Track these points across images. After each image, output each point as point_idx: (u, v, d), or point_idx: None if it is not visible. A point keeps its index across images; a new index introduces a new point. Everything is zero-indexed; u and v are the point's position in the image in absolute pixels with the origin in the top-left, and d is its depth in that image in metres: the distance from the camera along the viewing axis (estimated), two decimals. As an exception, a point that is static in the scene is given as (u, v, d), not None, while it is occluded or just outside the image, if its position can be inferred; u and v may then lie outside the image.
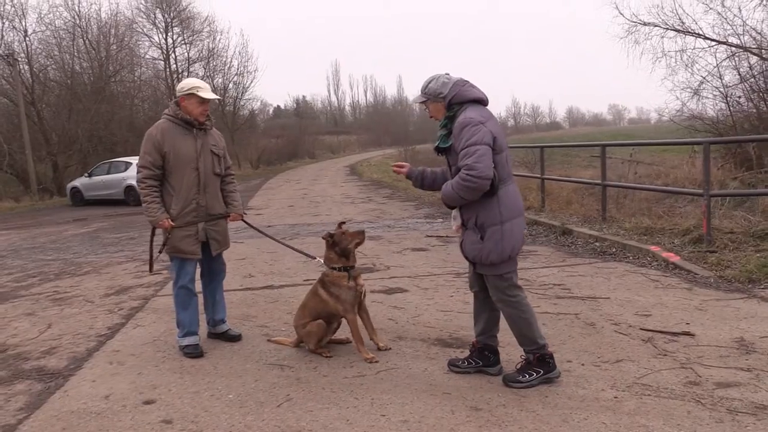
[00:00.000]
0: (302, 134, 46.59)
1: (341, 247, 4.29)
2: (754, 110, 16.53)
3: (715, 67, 17.57)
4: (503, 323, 3.73)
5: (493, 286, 3.60)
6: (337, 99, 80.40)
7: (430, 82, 3.66)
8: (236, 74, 36.63)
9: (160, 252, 4.49)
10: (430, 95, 3.65)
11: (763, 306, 4.92)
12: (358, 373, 3.90)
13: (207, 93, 4.43)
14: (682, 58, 18.29)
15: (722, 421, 3.01)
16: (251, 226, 5.20)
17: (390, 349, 4.31)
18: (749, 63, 16.61)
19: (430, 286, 6.22)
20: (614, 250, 7.45)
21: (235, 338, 4.72)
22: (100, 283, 7.31)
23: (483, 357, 3.80)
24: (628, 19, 18.85)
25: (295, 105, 68.91)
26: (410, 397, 3.49)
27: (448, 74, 3.64)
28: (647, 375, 3.63)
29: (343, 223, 4.53)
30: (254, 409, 3.45)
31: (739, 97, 16.88)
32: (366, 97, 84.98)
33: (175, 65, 34.35)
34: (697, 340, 4.19)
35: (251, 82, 37.16)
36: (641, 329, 4.47)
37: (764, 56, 16.51)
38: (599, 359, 3.94)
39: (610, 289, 5.70)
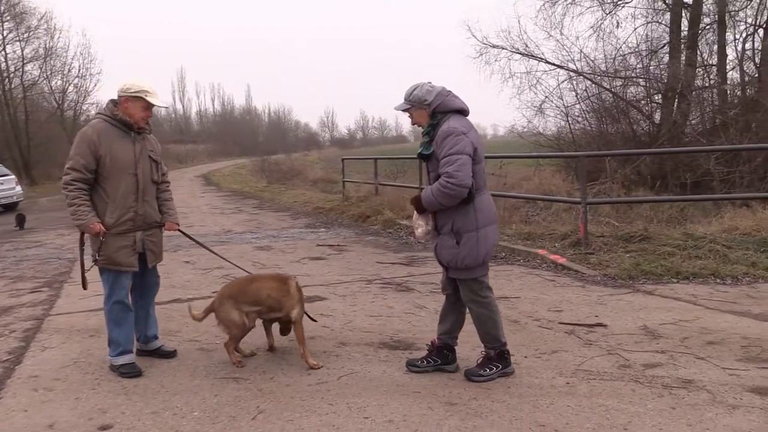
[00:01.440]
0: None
1: None
2: (590, 127, 18.62)
3: (555, 88, 19.55)
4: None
5: (466, 288, 3.81)
6: (183, 107, 76.99)
7: (414, 90, 3.80)
8: (77, 76, 33.65)
9: (93, 263, 4.15)
10: (414, 102, 3.78)
11: (648, 298, 5.66)
12: (318, 380, 3.91)
13: (156, 99, 4.18)
14: (527, 80, 20.11)
15: (662, 395, 3.48)
16: (188, 237, 4.95)
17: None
18: (585, 86, 18.70)
19: (347, 293, 6.31)
20: (504, 254, 8.06)
21: (170, 354, 4.47)
22: (-32, 305, 6.46)
23: (442, 355, 3.99)
24: (480, 41, 20.32)
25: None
26: (383, 399, 3.58)
27: (430, 83, 3.81)
28: (584, 362, 4.06)
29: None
30: (229, 424, 3.33)
31: (577, 115, 18.95)
32: (213, 106, 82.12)
33: (5, 63, 30.77)
34: (611, 329, 4.75)
35: (95, 85, 34.28)
36: (560, 323, 4.96)
37: (595, 81, 18.69)
38: (537, 351, 4.32)
39: (516, 289, 6.20)
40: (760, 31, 17.26)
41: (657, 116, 18.03)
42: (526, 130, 20.31)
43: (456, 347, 4.04)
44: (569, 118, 18.87)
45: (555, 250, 7.75)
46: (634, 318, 5.02)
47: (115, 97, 4.26)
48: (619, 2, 19.25)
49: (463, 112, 3.79)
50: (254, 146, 56.14)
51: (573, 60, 19.20)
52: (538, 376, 3.85)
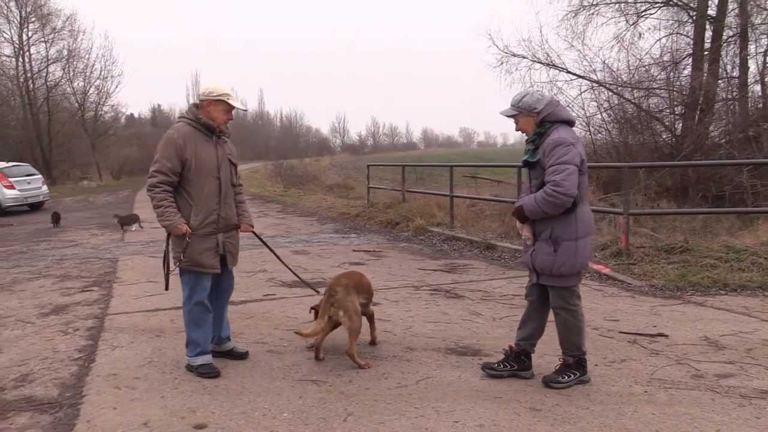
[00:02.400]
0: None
1: None
2: (610, 138, 18.67)
3: (575, 97, 19.61)
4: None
5: (557, 296, 3.89)
6: (197, 110, 77.25)
7: (524, 96, 3.88)
8: (99, 78, 33.93)
9: (177, 265, 4.24)
10: (523, 109, 3.86)
11: (701, 309, 5.72)
12: (398, 384, 3.99)
13: (237, 102, 4.29)
14: (548, 89, 20.16)
15: (743, 405, 3.54)
16: (260, 239, 5.05)
17: None
18: (607, 96, 18.76)
19: (398, 299, 6.39)
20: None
21: (243, 356, 4.56)
22: (23, 302, 6.57)
23: (519, 361, 4.07)
24: (501, 50, 20.41)
25: (151, 114, 65.23)
26: (467, 403, 3.65)
27: (539, 91, 3.90)
28: (656, 371, 4.12)
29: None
30: (321, 425, 3.41)
31: (599, 125, 19.01)
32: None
33: (29, 64, 31.06)
34: (672, 339, 4.81)
35: (116, 87, 34.61)
36: (620, 332, 5.02)
37: (617, 91, 18.76)
38: (605, 360, 4.39)
39: (566, 298, 6.26)
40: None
41: (678, 128, 18.13)
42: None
43: (533, 354, 4.11)
44: (590, 128, 18.95)
45: (596, 260, 7.80)
46: (693, 329, 5.08)
47: (196, 101, 4.37)
48: (642, 13, 19.33)
49: (570, 122, 3.86)
50: (266, 150, 56.47)
51: (594, 70, 19.29)
52: (615, 384, 3.91)
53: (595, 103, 18.99)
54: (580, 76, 19.74)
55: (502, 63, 20.40)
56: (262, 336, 5.13)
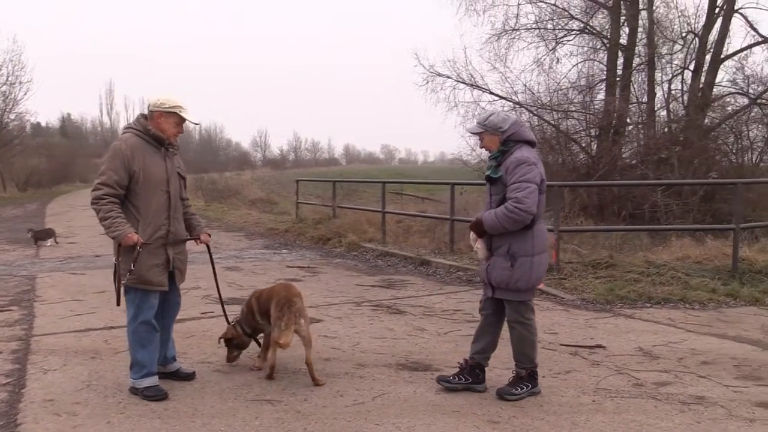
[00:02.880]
0: (74, 156, 41.96)
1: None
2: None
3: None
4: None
5: (513, 310, 3.99)
6: (110, 120, 74.72)
7: (490, 116, 4.02)
8: (5, 84, 31.82)
9: (123, 282, 4.03)
10: (489, 128, 3.98)
11: (631, 322, 6.04)
12: (354, 401, 3.96)
13: (189, 115, 4.15)
14: (472, 109, 20.77)
15: (684, 411, 3.77)
16: (210, 255, 4.90)
17: None
18: (528, 117, 19.55)
19: (341, 315, 6.35)
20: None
21: (190, 376, 4.38)
22: (-68, 326, 6.04)
23: (473, 374, 4.13)
24: (426, 69, 20.85)
25: (60, 123, 61.83)
26: (426, 418, 3.68)
27: (505, 112, 4.00)
28: (600, 381, 4.31)
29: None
30: (282, 445, 3.33)
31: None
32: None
33: None
34: (610, 351, 5.04)
35: (25, 94, 32.47)
36: (561, 345, 5.21)
37: (537, 113, 19.60)
38: (551, 371, 4.54)
39: (505, 312, 6.44)
40: (687, 73, 18.63)
41: (594, 149, 19.14)
42: (470, 157, 20.89)
43: (486, 368, 4.19)
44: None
45: (528, 274, 8.07)
46: (627, 340, 5.35)
47: (143, 112, 4.22)
48: (560, 40, 20.35)
49: (531, 143, 4.01)
50: (185, 164, 54.31)
51: (516, 92, 20.08)
52: (564, 395, 4.06)
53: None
54: (502, 97, 20.45)
55: (427, 82, 20.81)
56: (206, 355, 4.96)
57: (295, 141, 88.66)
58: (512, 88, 20.32)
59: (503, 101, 20.36)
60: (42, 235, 11.75)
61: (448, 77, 20.96)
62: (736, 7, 17.95)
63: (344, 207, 14.17)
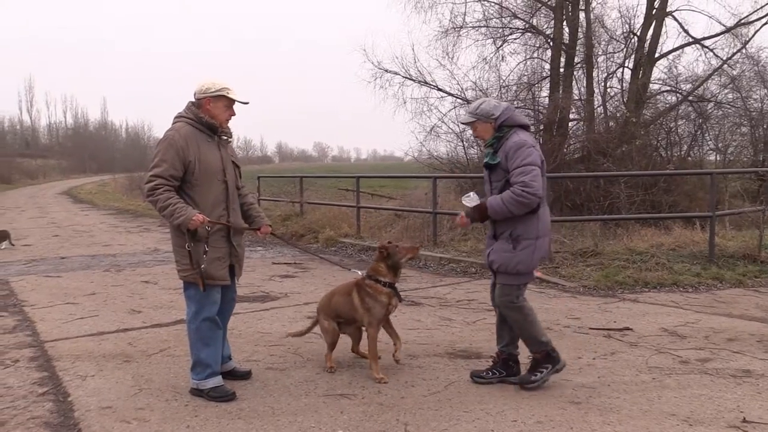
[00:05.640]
0: (-6, 155, 39.26)
1: (394, 261, 4.30)
2: (482, 152, 19.89)
3: (446, 113, 20.67)
4: None
5: (504, 293, 3.97)
6: (31, 118, 70.63)
7: (481, 104, 4.01)
8: None
9: (184, 277, 3.84)
10: (481, 116, 3.97)
11: (639, 305, 6.33)
12: (429, 391, 3.96)
13: (238, 95, 3.97)
14: (420, 105, 20.99)
15: (739, 383, 4.00)
16: (281, 239, 4.80)
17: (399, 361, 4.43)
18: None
19: (358, 309, 6.31)
20: (473, 269, 8.47)
21: (246, 375, 4.24)
22: None
23: (507, 367, 4.14)
24: (375, 66, 20.89)
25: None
26: (511, 403, 3.73)
27: (495, 98, 4.04)
28: (647, 360, 4.51)
29: (389, 242, 4.50)
30: (385, 437, 3.30)
31: (472, 140, 20.15)
32: (66, 119, 76.92)
33: None
34: (638, 332, 5.27)
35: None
36: (591, 329, 5.40)
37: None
38: (597, 354, 4.70)
39: (516, 300, 6.59)
40: (626, 71, 19.61)
41: (539, 143, 19.80)
42: (421, 153, 21.11)
43: (519, 355, 4.20)
44: (464, 143, 20.03)
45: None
46: (647, 322, 5.61)
47: (193, 100, 4.02)
48: (506, 38, 20.88)
49: (526, 127, 4.03)
50: (111, 163, 52.35)
51: (464, 89, 20.48)
52: (623, 374, 4.22)
53: (463, 118, 20.09)
54: (450, 94, 20.85)
55: (375, 78, 20.85)
56: (248, 354, 4.81)
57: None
58: (460, 85, 20.75)
59: (452, 98, 20.78)
60: (-6, 238, 10.96)
61: (396, 74, 21.12)
62: (668, 10, 19.10)
63: (317, 203, 13.98)
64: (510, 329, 4.16)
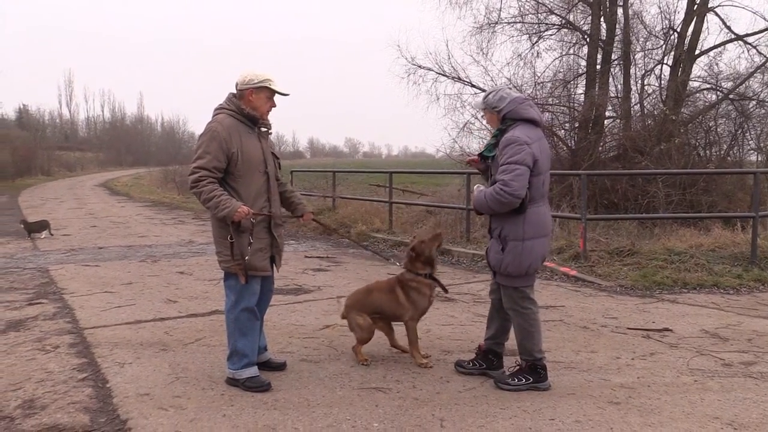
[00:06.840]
0: (36, 148, 40.24)
1: (426, 256, 4.29)
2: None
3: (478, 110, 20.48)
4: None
5: (507, 296, 3.91)
6: (70, 112, 73.04)
7: (489, 94, 3.95)
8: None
9: (226, 267, 3.87)
10: (488, 105, 3.91)
11: (678, 306, 6.18)
12: (464, 387, 3.93)
13: (279, 86, 3.97)
14: (453, 101, 20.84)
15: (787, 389, 3.88)
16: (323, 226, 4.85)
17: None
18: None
19: (390, 304, 6.29)
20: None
21: (281, 366, 4.26)
22: (-37, 321, 5.71)
23: (487, 360, 4.11)
24: (409, 61, 20.81)
25: (17, 115, 59.11)
26: (549, 401, 3.67)
27: (510, 87, 3.97)
28: (688, 362, 4.40)
29: (414, 237, 4.49)
30: None
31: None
32: (104, 113, 79.49)
33: None
34: (678, 333, 5.15)
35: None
36: (629, 329, 5.29)
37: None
38: (636, 354, 4.60)
39: (551, 298, 6.50)
40: (665, 68, 19.17)
41: (573, 142, 19.51)
42: (453, 150, 20.98)
43: (502, 353, 4.15)
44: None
45: (558, 262, 8.18)
46: (687, 323, 5.47)
47: (234, 91, 4.03)
48: (542, 34, 20.62)
49: (534, 122, 3.84)
50: (147, 156, 53.32)
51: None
52: (664, 375, 4.12)
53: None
54: (484, 90, 20.64)
55: (409, 74, 20.76)
56: (283, 345, 4.84)
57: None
58: (494, 81, 20.54)
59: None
60: (36, 227, 11.24)
61: (430, 69, 21.01)
62: (710, 5, 18.59)
63: (348, 198, 14.02)
64: (498, 326, 4.14)
